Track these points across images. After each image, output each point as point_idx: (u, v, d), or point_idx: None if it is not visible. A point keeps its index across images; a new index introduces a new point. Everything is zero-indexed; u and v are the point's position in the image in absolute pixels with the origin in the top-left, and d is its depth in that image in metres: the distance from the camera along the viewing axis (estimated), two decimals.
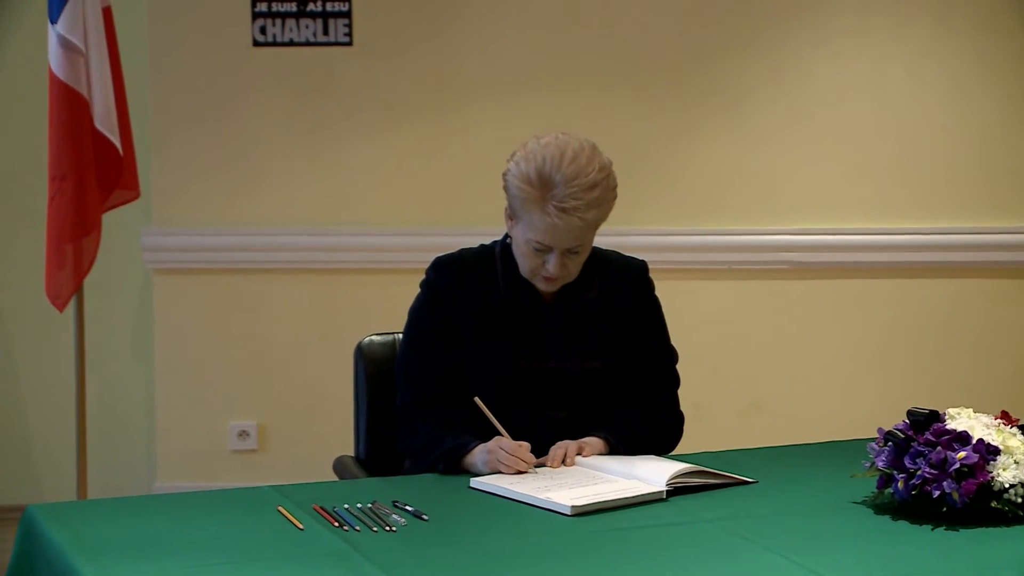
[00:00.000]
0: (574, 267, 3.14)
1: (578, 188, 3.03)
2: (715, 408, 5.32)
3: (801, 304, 5.38)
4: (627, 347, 3.26)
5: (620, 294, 3.27)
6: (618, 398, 3.26)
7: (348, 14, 5.30)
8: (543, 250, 3.08)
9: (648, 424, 3.25)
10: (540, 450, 3.08)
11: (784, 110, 5.35)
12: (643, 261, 3.35)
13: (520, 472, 2.94)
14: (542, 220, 3.04)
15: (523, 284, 3.19)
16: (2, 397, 5.61)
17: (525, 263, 3.13)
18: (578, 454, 3.07)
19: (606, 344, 3.23)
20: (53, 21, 4.57)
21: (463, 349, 3.20)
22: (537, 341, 3.20)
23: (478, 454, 3.03)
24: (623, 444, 3.14)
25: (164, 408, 5.37)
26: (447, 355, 3.21)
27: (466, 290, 3.21)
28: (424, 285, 3.26)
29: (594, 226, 3.09)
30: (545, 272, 3.11)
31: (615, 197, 3.11)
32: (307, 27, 5.30)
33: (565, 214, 3.02)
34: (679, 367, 3.39)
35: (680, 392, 5.20)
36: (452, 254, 3.27)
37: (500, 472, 2.95)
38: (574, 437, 3.13)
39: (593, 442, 3.11)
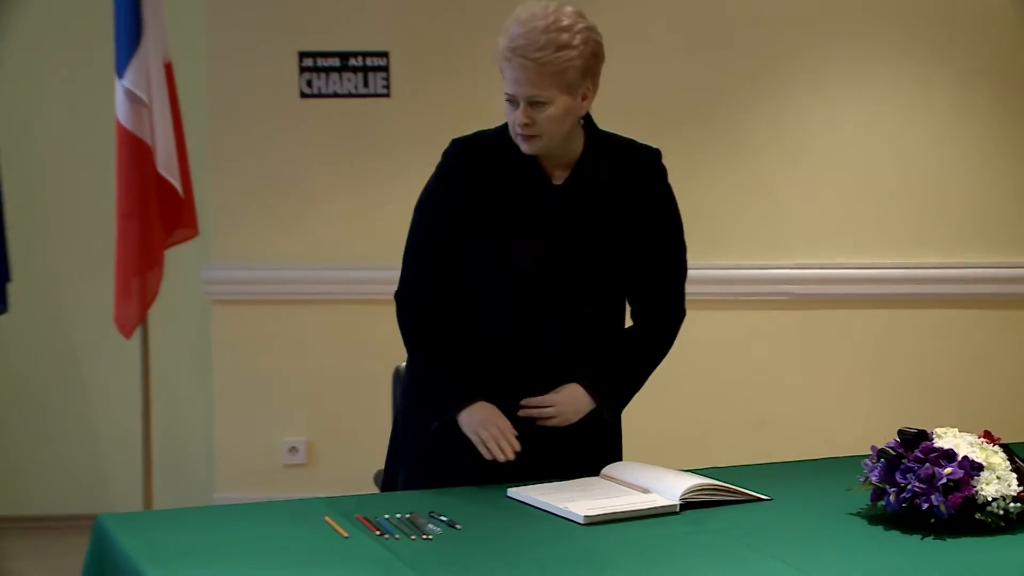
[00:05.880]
0: (545, 123, 2.92)
1: (529, 29, 2.89)
2: (721, 427, 5.31)
3: (799, 332, 5.36)
4: (637, 232, 3.07)
5: (631, 178, 3.07)
6: (619, 288, 3.11)
7: (386, 68, 5.32)
8: (512, 102, 2.94)
9: (637, 345, 3.14)
10: (538, 336, 3.02)
11: (782, 153, 5.35)
12: (657, 149, 3.14)
13: (494, 459, 2.92)
14: (505, 70, 2.93)
15: (534, 170, 3.02)
16: (76, 415, 5.63)
17: (508, 121, 2.97)
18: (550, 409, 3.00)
19: (611, 225, 3.04)
20: (120, 75, 4.59)
21: (473, 226, 3.02)
22: (544, 222, 3.01)
23: (475, 413, 2.97)
24: (605, 391, 3.06)
25: (222, 426, 5.38)
26: (450, 236, 3.03)
27: (479, 168, 3.03)
28: (440, 164, 3.10)
29: (551, 74, 2.89)
30: (517, 128, 2.94)
31: (582, 55, 2.92)
32: (349, 80, 5.33)
33: (514, 53, 2.89)
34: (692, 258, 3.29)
35: (688, 412, 5.21)
36: (470, 135, 3.10)
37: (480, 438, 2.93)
38: (575, 331, 3.02)
39: (568, 393, 3.03)
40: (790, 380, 5.37)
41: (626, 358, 3.13)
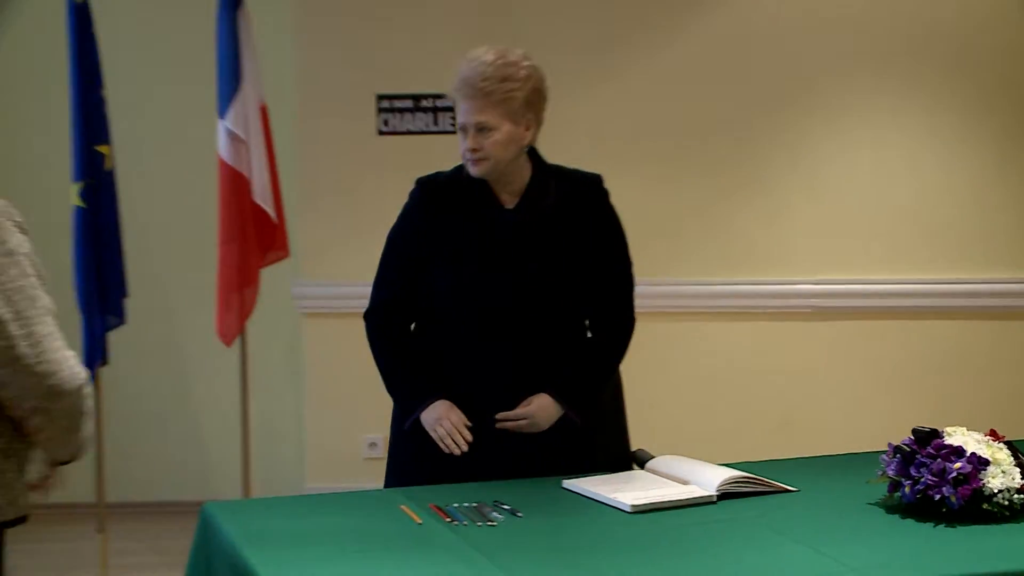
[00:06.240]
0: (490, 147, 2.92)
1: (478, 64, 2.92)
2: (752, 426, 5.26)
3: (820, 341, 5.30)
4: (584, 250, 3.02)
5: (576, 200, 3.03)
6: (572, 303, 3.04)
7: (454, 108, 5.31)
8: (463, 130, 2.95)
9: (594, 355, 3.08)
10: (494, 357, 2.99)
11: (801, 179, 5.29)
12: (598, 174, 3.09)
13: (451, 452, 2.91)
14: (457, 102, 2.95)
15: (487, 198, 3.01)
16: (185, 414, 5.66)
17: (460, 150, 2.97)
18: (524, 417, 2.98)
19: (560, 245, 3.00)
20: (222, 116, 4.62)
21: (435, 255, 3.01)
22: (497, 244, 2.98)
23: (431, 411, 2.96)
24: (571, 399, 3.01)
25: (311, 423, 5.38)
26: (412, 266, 3.04)
27: (439, 203, 3.03)
28: (406, 203, 3.10)
29: (496, 102, 2.90)
30: (467, 154, 2.95)
31: (524, 88, 2.92)
32: (420, 119, 5.33)
33: (464, 84, 2.92)
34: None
35: (722, 412, 5.15)
36: (431, 174, 3.10)
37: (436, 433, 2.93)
38: (525, 341, 2.98)
39: (538, 404, 2.99)
40: (813, 384, 5.31)
41: (586, 368, 3.08)
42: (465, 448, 2.94)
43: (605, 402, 3.18)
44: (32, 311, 2.30)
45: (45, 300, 2.34)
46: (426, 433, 3.00)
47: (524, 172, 3.03)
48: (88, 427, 2.43)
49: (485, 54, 2.94)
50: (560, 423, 3.03)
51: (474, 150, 2.94)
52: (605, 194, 3.10)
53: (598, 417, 3.11)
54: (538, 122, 3.02)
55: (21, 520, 2.42)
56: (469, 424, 2.97)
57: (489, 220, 3.01)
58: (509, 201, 3.02)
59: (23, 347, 2.27)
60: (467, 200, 3.02)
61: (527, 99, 2.95)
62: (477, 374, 3.02)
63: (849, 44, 5.26)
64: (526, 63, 2.96)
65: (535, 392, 3.01)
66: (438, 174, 3.11)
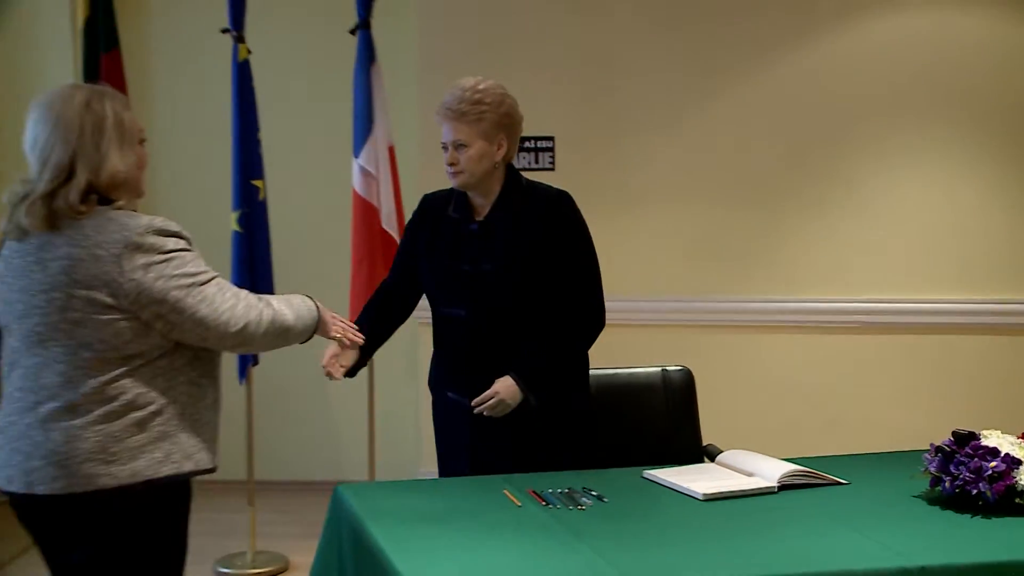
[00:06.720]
0: (465, 161, 2.95)
1: (456, 90, 2.97)
2: (804, 424, 5.17)
3: (868, 352, 5.19)
4: (545, 255, 2.97)
5: (539, 213, 2.99)
6: (526, 306, 2.98)
7: (552, 149, 5.31)
8: (445, 148, 2.97)
9: (555, 342, 2.99)
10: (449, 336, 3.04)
11: (854, 212, 5.19)
12: (564, 191, 3.06)
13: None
14: (441, 124, 2.98)
15: (466, 208, 3.04)
16: (320, 407, 5.71)
17: (444, 164, 3.00)
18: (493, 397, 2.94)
19: (516, 248, 2.96)
20: (356, 156, 4.67)
21: (421, 251, 3.10)
22: (463, 247, 3.01)
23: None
24: (529, 377, 2.94)
25: (426, 414, 5.35)
26: (408, 259, 3.14)
27: (430, 214, 3.10)
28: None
29: (469, 122, 2.94)
30: (448, 168, 2.98)
31: (494, 111, 2.95)
32: (523, 158, 5.32)
33: (443, 107, 2.96)
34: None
35: (782, 413, 4.99)
36: (435, 191, 3.17)
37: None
38: (476, 326, 2.98)
39: (502, 385, 2.94)
40: (861, 388, 5.20)
41: (546, 353, 3.00)
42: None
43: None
44: (197, 283, 2.37)
45: (209, 273, 2.41)
46: (444, 432, 3.19)
47: (497, 187, 3.03)
48: (302, 318, 2.65)
49: (464, 83, 3.00)
50: (524, 409, 2.97)
51: (452, 163, 2.97)
52: (569, 208, 3.04)
53: (565, 407, 3.07)
54: (510, 142, 3.02)
55: (203, 472, 2.44)
56: (344, 368, 3.15)
57: (458, 225, 3.04)
58: (481, 211, 3.04)
59: (203, 310, 2.37)
60: (448, 209, 3.07)
61: (498, 121, 2.97)
62: (446, 346, 3.09)
63: (902, 94, 5.15)
64: (499, 90, 3.00)
65: (494, 375, 2.97)
66: (439, 191, 3.16)
